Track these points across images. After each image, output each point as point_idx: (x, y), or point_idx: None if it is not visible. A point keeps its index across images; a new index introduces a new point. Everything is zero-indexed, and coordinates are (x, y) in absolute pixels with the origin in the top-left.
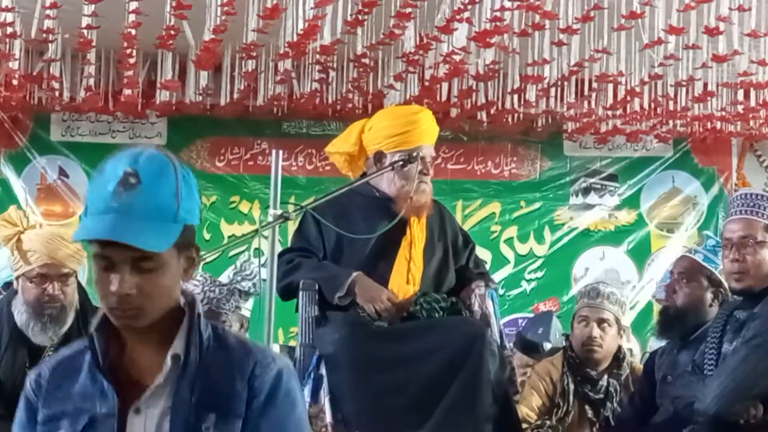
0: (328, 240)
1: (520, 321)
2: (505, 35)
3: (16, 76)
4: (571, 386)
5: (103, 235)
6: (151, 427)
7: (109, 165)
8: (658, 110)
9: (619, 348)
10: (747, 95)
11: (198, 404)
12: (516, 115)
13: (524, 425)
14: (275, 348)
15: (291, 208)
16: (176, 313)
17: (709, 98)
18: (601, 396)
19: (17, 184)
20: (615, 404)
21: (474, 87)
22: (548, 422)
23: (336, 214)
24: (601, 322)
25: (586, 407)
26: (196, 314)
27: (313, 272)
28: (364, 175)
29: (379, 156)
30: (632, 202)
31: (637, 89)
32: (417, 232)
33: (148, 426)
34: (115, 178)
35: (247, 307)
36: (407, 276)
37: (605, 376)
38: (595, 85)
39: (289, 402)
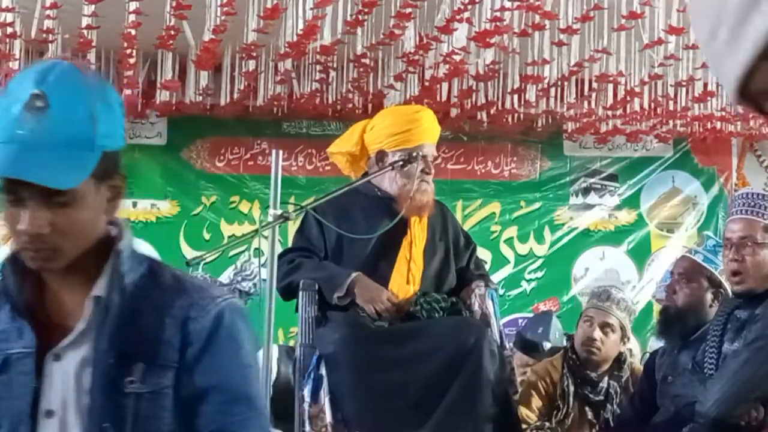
0: (329, 239)
1: (520, 321)
2: (505, 35)
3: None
4: (571, 387)
5: (3, 171)
6: (70, 378)
7: (14, 83)
8: (658, 110)
9: (620, 351)
10: None
11: (121, 354)
12: (516, 115)
13: (524, 426)
14: (274, 349)
15: (291, 208)
16: (104, 248)
17: (709, 98)
18: (602, 398)
19: None
20: (615, 406)
21: (474, 87)
22: (548, 424)
23: (337, 214)
24: (604, 325)
25: (586, 408)
26: (117, 250)
27: (313, 272)
28: (365, 175)
29: (381, 155)
30: (632, 202)
31: (637, 89)
32: (418, 231)
33: (67, 376)
34: (21, 101)
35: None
36: (407, 276)
37: (605, 378)
38: (595, 85)
39: (231, 344)
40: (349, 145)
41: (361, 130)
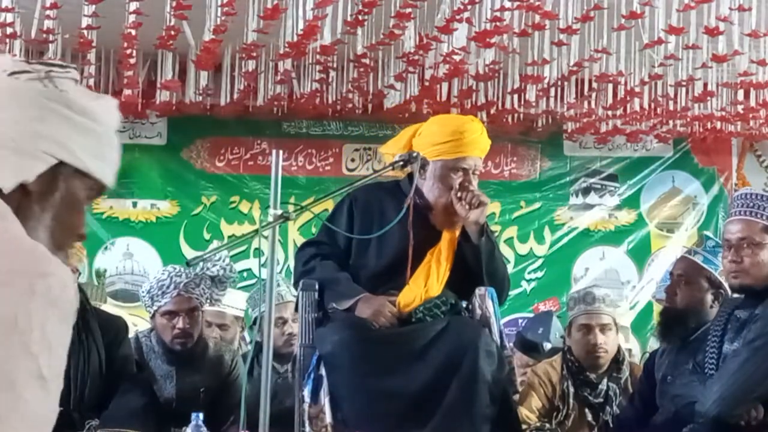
0: (359, 232)
1: (520, 321)
2: (505, 35)
3: None
4: (571, 389)
5: None
6: None
7: None
8: (658, 110)
9: (618, 349)
10: (747, 95)
11: None
12: (516, 115)
13: (524, 426)
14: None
15: (291, 208)
16: None
17: (709, 98)
18: (601, 400)
19: None
20: (614, 408)
21: (474, 87)
22: (548, 425)
23: (373, 210)
24: (602, 327)
25: (586, 410)
26: None
27: (323, 282)
28: (410, 177)
29: (423, 162)
30: (632, 202)
31: (637, 89)
32: (446, 245)
33: None
34: None
35: (235, 306)
36: (422, 287)
37: (605, 380)
38: (595, 85)
39: None
40: (397, 148)
41: (411, 133)
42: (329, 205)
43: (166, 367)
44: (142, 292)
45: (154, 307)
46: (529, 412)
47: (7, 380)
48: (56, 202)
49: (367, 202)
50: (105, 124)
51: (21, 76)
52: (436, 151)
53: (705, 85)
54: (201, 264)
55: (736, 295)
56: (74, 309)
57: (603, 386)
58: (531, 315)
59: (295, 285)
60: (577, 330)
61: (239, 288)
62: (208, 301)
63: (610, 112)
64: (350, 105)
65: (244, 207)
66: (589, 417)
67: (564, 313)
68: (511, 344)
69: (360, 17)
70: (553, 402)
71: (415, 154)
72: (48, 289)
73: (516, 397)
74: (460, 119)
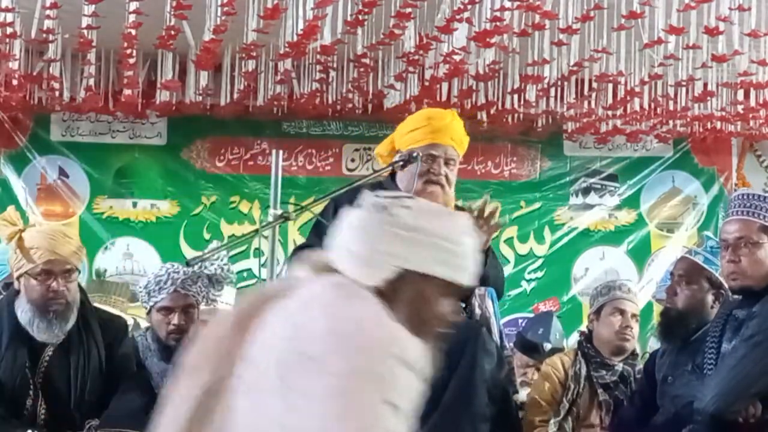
0: None
1: (520, 321)
2: (505, 35)
3: (16, 76)
4: (583, 370)
5: None
6: None
7: None
8: (658, 110)
9: None
10: (747, 95)
11: None
12: (516, 115)
13: (542, 416)
14: None
15: (291, 208)
16: None
17: (709, 98)
18: (616, 379)
19: (17, 184)
20: (629, 388)
21: (474, 87)
22: (562, 408)
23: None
24: (633, 316)
25: (600, 390)
26: None
27: None
28: (392, 175)
29: (398, 154)
30: (632, 202)
31: (637, 89)
32: None
33: None
34: None
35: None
36: None
37: (620, 364)
38: (595, 85)
39: None
40: (382, 147)
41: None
42: None
43: (162, 365)
44: (139, 287)
45: (151, 303)
46: (541, 398)
47: (370, 408)
48: (406, 299)
49: (350, 203)
50: (441, 236)
51: (369, 210)
52: (408, 139)
53: (705, 85)
54: (199, 263)
55: (735, 297)
56: (425, 369)
57: (619, 368)
58: (531, 315)
59: None
60: (608, 314)
61: (239, 288)
62: (205, 300)
63: (610, 112)
64: (350, 105)
65: (244, 207)
66: (605, 396)
67: (564, 313)
68: (511, 344)
69: (360, 17)
70: (565, 385)
71: (415, 154)
72: (403, 353)
73: (516, 396)
74: (433, 109)
